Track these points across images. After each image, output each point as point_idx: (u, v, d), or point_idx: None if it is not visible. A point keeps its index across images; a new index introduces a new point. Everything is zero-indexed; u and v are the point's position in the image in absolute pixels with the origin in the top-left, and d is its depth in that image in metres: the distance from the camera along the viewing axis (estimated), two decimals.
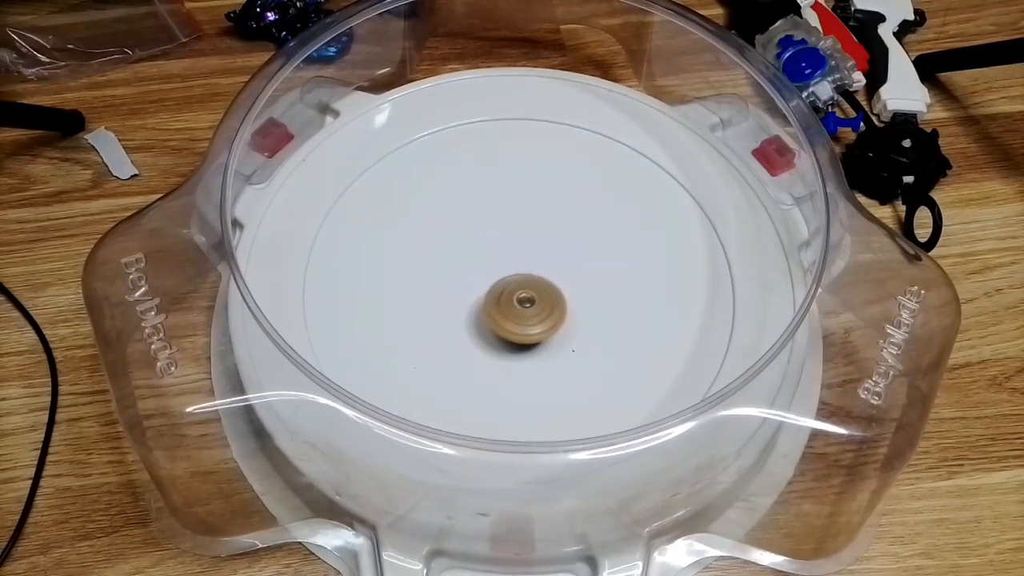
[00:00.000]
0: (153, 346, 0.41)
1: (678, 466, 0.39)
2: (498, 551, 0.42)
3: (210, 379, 0.48)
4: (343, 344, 0.44)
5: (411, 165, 0.51)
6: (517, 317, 0.42)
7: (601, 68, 0.63)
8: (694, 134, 0.52)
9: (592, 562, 0.41)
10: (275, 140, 0.51)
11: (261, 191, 0.49)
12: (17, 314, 0.52)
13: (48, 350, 0.50)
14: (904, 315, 0.42)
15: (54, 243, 0.55)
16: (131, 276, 0.42)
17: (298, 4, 0.65)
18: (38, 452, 0.46)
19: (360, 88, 0.54)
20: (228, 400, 0.45)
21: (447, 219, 0.49)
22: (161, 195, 0.46)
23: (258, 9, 0.64)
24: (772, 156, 0.51)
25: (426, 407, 0.39)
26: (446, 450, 0.37)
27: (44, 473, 0.46)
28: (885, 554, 0.44)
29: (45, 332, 0.51)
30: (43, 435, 0.47)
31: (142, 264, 0.42)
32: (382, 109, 0.53)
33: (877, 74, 0.61)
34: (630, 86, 0.56)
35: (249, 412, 0.43)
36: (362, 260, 0.47)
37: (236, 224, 0.47)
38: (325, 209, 0.49)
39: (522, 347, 0.44)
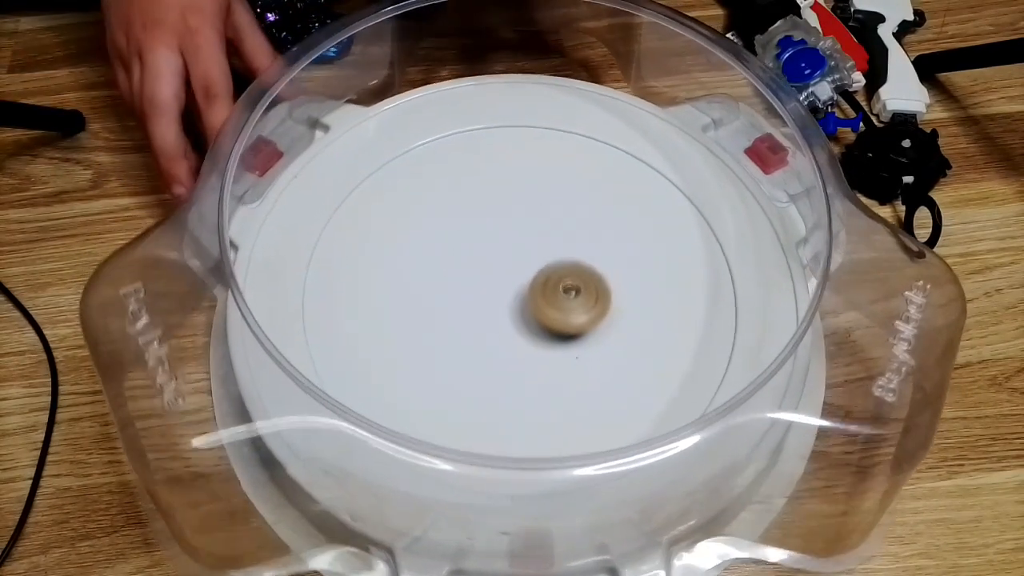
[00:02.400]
0: (159, 379, 0.39)
1: (697, 473, 0.39)
2: (518, 568, 0.41)
3: (232, 414, 0.46)
4: (347, 363, 0.43)
5: (404, 177, 0.50)
6: (561, 305, 0.42)
7: (589, 71, 0.63)
8: (687, 135, 0.52)
9: (613, 573, 0.41)
10: (265, 158, 0.50)
11: (254, 210, 0.48)
12: (17, 314, 0.52)
13: (48, 350, 0.50)
14: (912, 311, 0.42)
15: (54, 243, 0.55)
16: (131, 308, 0.41)
17: (299, 4, 0.64)
18: (38, 452, 0.46)
19: (350, 101, 0.54)
20: (235, 429, 0.43)
21: (442, 229, 0.48)
22: (155, 221, 0.45)
23: (258, 9, 0.64)
24: (765, 154, 0.51)
25: (436, 424, 0.39)
26: (464, 470, 0.36)
27: (44, 473, 0.46)
28: (885, 554, 0.44)
29: (45, 332, 0.51)
30: (43, 435, 0.47)
31: (141, 294, 0.41)
32: (372, 121, 0.53)
33: (877, 74, 0.61)
34: (619, 87, 0.56)
35: (257, 441, 0.42)
36: (361, 276, 0.46)
37: (231, 245, 0.46)
38: (320, 226, 0.48)
39: (528, 359, 0.44)
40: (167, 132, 0.49)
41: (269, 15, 0.64)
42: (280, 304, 0.45)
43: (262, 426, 0.40)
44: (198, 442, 0.40)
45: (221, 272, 0.45)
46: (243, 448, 0.44)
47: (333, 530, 0.42)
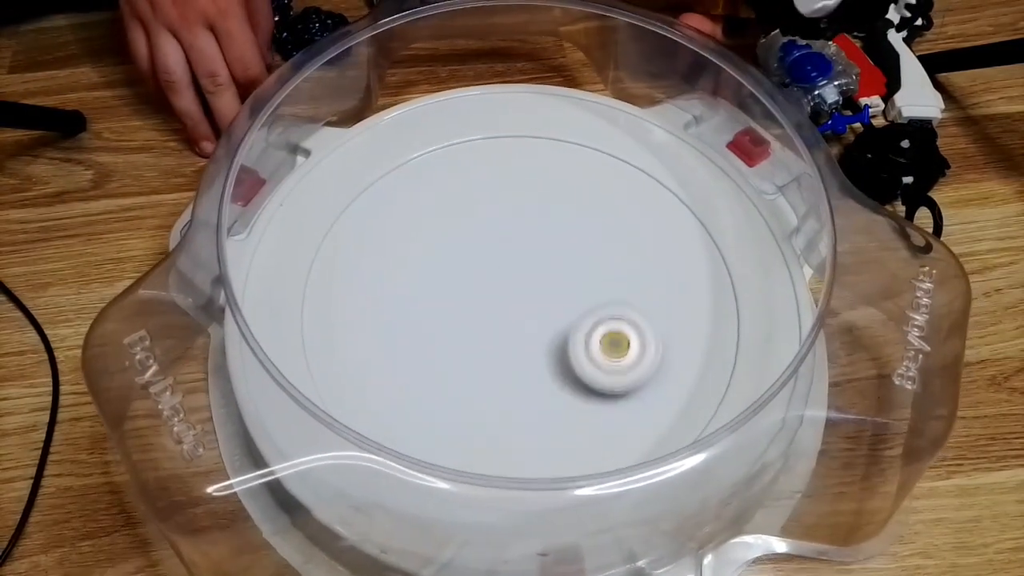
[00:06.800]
0: (176, 429, 0.38)
1: (728, 474, 0.39)
2: None
3: (240, 454, 0.45)
4: (353, 393, 0.42)
5: (391, 197, 0.50)
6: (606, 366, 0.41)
7: (563, 76, 0.63)
8: (671, 135, 0.52)
9: None
10: (247, 188, 0.48)
11: (242, 242, 0.47)
12: (18, 314, 0.52)
13: (49, 350, 0.50)
14: (922, 297, 0.42)
15: (55, 243, 0.55)
16: (138, 357, 0.40)
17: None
18: (39, 452, 0.46)
19: (328, 123, 0.53)
20: (257, 473, 0.40)
21: (435, 247, 0.47)
22: (151, 265, 0.44)
23: None
24: (747, 147, 0.51)
25: (450, 448, 0.38)
26: (500, 495, 0.36)
27: (45, 473, 0.46)
28: (883, 554, 0.44)
29: (46, 332, 0.51)
30: (44, 435, 0.47)
31: (147, 343, 0.40)
32: (354, 142, 0.52)
33: (890, 81, 0.61)
34: (596, 91, 0.56)
35: (272, 482, 0.40)
36: (359, 301, 0.45)
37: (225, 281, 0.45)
38: (311, 253, 0.47)
39: (535, 375, 0.43)
40: (192, 102, 0.56)
41: None
42: (280, 337, 0.43)
43: (286, 467, 0.38)
44: (217, 490, 0.38)
45: (213, 310, 0.44)
46: (257, 490, 0.43)
47: (358, 565, 0.41)
